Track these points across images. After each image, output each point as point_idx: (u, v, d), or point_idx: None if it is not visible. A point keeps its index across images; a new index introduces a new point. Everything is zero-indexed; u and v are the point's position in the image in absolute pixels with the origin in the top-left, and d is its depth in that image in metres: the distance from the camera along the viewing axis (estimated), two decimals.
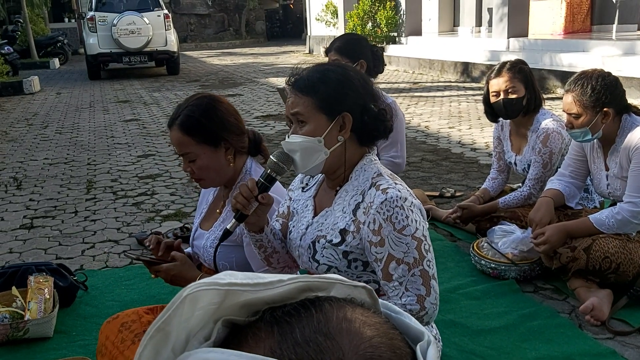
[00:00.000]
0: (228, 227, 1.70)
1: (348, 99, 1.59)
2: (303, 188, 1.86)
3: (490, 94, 3.08)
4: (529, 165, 3.12)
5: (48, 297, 2.64)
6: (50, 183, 4.98)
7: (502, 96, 3.02)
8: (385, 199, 1.53)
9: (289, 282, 0.54)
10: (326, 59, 3.02)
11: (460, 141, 5.74)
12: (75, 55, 20.77)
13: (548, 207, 2.69)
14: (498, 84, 3.04)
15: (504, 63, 3.11)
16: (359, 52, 3.02)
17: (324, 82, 1.60)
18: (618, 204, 2.54)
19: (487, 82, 3.12)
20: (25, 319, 2.53)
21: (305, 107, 1.60)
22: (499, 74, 3.06)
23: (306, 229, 1.74)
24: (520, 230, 2.85)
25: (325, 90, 1.59)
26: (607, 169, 2.67)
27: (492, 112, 3.13)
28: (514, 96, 3.01)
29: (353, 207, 1.61)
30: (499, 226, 2.95)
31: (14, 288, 2.66)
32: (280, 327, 0.51)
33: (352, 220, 1.60)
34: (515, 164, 3.24)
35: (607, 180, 2.67)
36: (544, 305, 2.57)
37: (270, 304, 0.54)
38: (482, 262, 2.85)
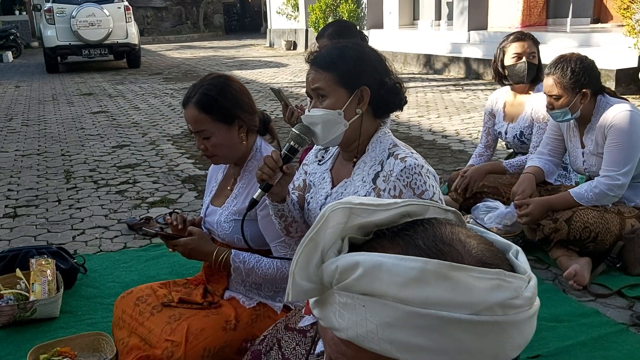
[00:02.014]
0: (255, 196, 1.79)
1: (366, 73, 1.70)
2: (319, 161, 1.96)
3: (510, 56, 3.28)
4: (520, 133, 3.34)
5: (51, 278, 2.68)
6: (26, 174, 4.93)
7: (524, 59, 3.24)
8: (405, 167, 1.65)
9: (401, 204, 0.66)
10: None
11: (430, 129, 5.93)
12: (27, 48, 20.20)
13: (530, 182, 2.87)
14: (522, 46, 3.26)
15: (521, 32, 3.39)
16: (351, 38, 3.13)
17: (344, 58, 1.71)
18: (595, 178, 2.75)
19: (503, 48, 3.33)
20: (30, 300, 2.56)
21: (326, 82, 1.70)
22: (521, 39, 3.29)
23: (325, 199, 1.85)
24: (504, 206, 3.03)
25: (344, 66, 1.70)
26: (583, 147, 2.87)
27: (503, 76, 3.34)
28: (534, 62, 3.25)
29: (372, 177, 1.72)
30: (482, 203, 3.12)
31: (17, 270, 2.69)
32: (403, 239, 0.63)
33: (372, 188, 1.71)
34: (505, 132, 3.44)
35: (584, 157, 2.87)
36: None
37: (379, 226, 0.65)
38: None
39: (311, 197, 1.91)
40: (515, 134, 3.37)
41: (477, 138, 5.42)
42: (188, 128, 2.11)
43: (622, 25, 7.06)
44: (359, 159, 1.79)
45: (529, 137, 3.30)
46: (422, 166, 1.67)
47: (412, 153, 1.71)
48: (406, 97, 1.79)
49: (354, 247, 0.66)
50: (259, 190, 1.78)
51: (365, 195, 1.73)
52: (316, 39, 3.23)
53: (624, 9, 6.84)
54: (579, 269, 2.61)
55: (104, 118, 7.36)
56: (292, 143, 1.75)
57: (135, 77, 11.61)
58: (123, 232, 3.55)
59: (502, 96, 3.50)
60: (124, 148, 5.72)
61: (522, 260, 0.66)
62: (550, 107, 2.77)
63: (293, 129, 1.77)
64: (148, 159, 5.25)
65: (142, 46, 18.89)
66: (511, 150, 3.63)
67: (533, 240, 2.86)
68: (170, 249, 2.14)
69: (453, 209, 0.70)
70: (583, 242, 2.69)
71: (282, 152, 1.76)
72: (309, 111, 1.76)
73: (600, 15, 9.91)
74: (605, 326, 2.31)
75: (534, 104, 3.26)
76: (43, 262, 2.74)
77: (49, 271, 2.71)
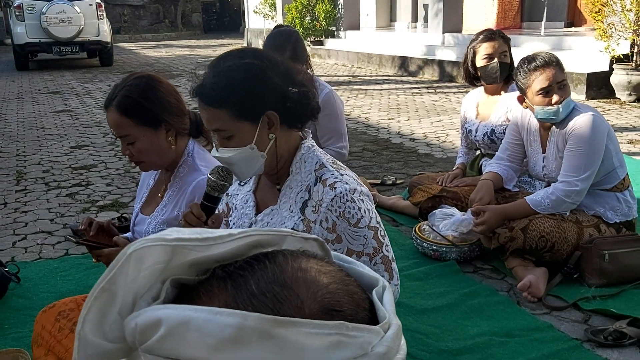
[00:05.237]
0: None
1: (265, 94, 1.44)
2: (240, 182, 1.75)
3: (481, 57, 3.21)
4: (491, 131, 3.28)
5: None
6: None
7: (496, 59, 3.17)
8: (335, 195, 1.45)
9: (239, 235, 0.52)
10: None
11: (399, 132, 5.82)
12: (1, 45, 19.80)
13: (488, 189, 2.77)
14: (493, 46, 3.19)
15: (491, 30, 3.30)
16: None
17: (233, 87, 1.43)
18: (552, 184, 2.64)
19: (473, 48, 3.25)
20: None
21: (223, 121, 1.45)
22: (491, 39, 3.21)
23: (250, 226, 1.66)
24: (460, 213, 2.92)
25: (237, 96, 1.43)
26: (544, 151, 2.76)
27: (474, 76, 3.28)
28: (506, 60, 3.19)
29: (300, 206, 1.52)
30: (439, 209, 3.01)
31: None
32: (234, 281, 0.49)
33: (301, 220, 1.51)
34: (476, 130, 3.37)
35: (544, 162, 2.76)
36: (484, 284, 2.65)
37: (219, 261, 0.52)
38: (424, 244, 2.90)
39: (233, 223, 1.69)
40: (486, 132, 3.30)
41: (444, 141, 5.33)
42: (112, 133, 1.96)
43: (595, 29, 7.01)
44: (284, 183, 1.57)
45: (499, 136, 3.21)
46: (355, 190, 1.47)
47: (342, 176, 1.50)
48: (317, 102, 1.53)
49: (186, 288, 0.52)
50: None
51: (292, 228, 1.47)
52: None
53: (596, 12, 6.79)
54: (534, 280, 2.50)
55: (66, 117, 7.15)
56: (210, 192, 1.54)
57: (106, 75, 11.37)
58: (67, 237, 3.36)
59: (475, 97, 3.45)
60: (83, 148, 5.53)
61: (386, 300, 0.53)
62: (562, 99, 2.56)
63: (208, 175, 1.54)
64: (105, 160, 5.06)
65: (118, 44, 18.65)
66: (478, 152, 3.52)
67: (489, 248, 2.75)
68: (94, 260, 2.00)
69: (315, 236, 0.57)
70: (539, 251, 2.58)
71: (202, 204, 1.54)
72: (217, 151, 1.54)
73: (575, 19, 9.91)
74: (559, 342, 2.19)
75: (509, 103, 3.18)
76: None
77: None
